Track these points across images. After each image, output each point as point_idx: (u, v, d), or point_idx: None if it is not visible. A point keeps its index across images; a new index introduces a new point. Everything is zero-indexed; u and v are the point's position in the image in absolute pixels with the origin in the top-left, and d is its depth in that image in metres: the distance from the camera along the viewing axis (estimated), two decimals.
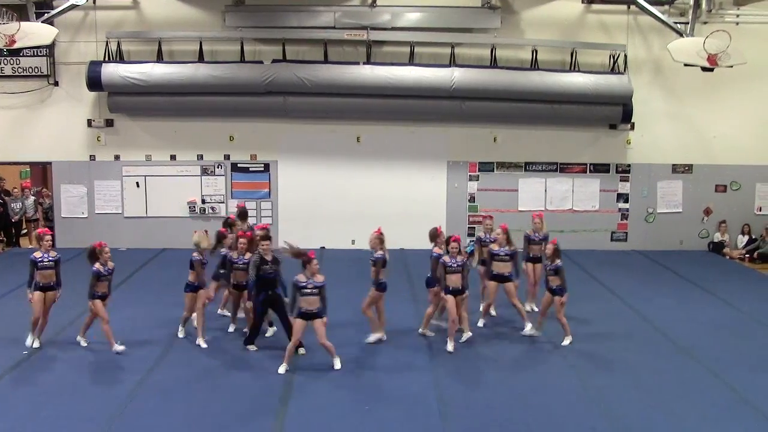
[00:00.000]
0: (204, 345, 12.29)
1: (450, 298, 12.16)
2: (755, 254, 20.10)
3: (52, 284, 12.08)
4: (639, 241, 21.00)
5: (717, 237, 21.01)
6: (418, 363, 11.87)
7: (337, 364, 11.32)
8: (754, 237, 20.64)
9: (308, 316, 11.08)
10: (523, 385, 11.00)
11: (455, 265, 12.14)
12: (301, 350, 11.89)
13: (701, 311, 15.17)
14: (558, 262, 12.46)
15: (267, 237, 12.26)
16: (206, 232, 12.69)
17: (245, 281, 12.32)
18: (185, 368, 11.48)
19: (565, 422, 9.80)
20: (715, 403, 10.48)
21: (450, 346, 12.16)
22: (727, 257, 20.42)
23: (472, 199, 20.45)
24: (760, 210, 21.17)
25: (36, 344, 12.10)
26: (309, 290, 11.01)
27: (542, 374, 11.43)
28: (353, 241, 18.91)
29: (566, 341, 12.68)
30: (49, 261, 12.01)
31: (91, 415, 9.74)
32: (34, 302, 11.93)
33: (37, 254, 11.99)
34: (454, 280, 12.14)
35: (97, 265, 11.82)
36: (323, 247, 15.52)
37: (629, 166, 20.80)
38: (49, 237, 12.34)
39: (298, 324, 11.14)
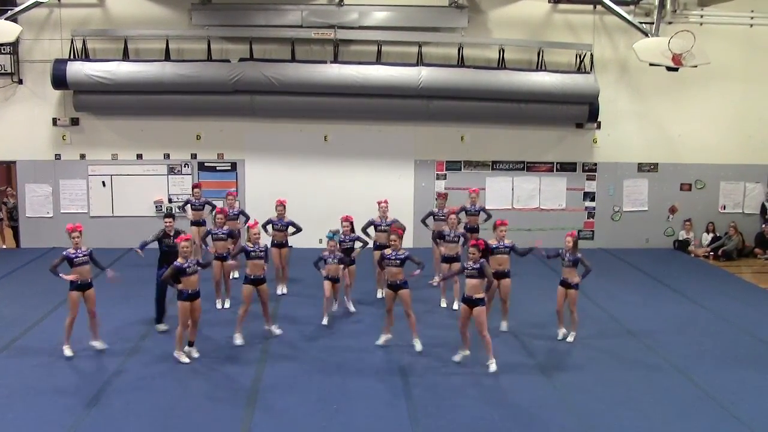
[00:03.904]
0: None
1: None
2: (720, 252, 20.33)
3: (90, 281, 11.83)
4: (605, 240, 21.19)
5: (682, 235, 21.24)
6: (386, 360, 11.93)
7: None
8: (718, 235, 20.88)
9: (500, 274, 12.90)
10: (491, 384, 11.07)
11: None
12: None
13: (667, 308, 15.37)
14: (578, 254, 12.67)
15: (170, 215, 13.74)
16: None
17: (225, 252, 14.17)
18: (150, 370, 11.41)
19: (534, 421, 9.88)
20: (681, 399, 10.64)
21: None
22: (692, 255, 20.67)
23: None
24: (725, 208, 21.44)
25: (69, 353, 11.73)
26: (501, 250, 12.90)
27: (510, 373, 11.47)
28: (321, 240, 18.87)
29: (570, 337, 13.06)
30: (84, 256, 11.76)
31: (56, 418, 9.68)
32: (72, 302, 11.65)
33: (70, 250, 11.72)
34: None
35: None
36: (291, 246, 15.52)
37: (596, 164, 20.98)
38: (77, 233, 11.89)
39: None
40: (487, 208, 17.34)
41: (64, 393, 10.53)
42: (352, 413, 10.00)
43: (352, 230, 14.46)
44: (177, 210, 19.71)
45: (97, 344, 12.04)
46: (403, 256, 12.08)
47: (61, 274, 11.61)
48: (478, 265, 11.23)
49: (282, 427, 9.60)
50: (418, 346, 12.12)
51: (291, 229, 15.45)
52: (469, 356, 11.73)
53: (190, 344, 11.93)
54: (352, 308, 14.45)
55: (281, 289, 15.66)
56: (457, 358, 11.80)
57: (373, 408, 10.19)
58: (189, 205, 17.50)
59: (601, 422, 9.80)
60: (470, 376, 11.27)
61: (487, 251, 11.73)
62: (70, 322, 11.69)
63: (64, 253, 11.71)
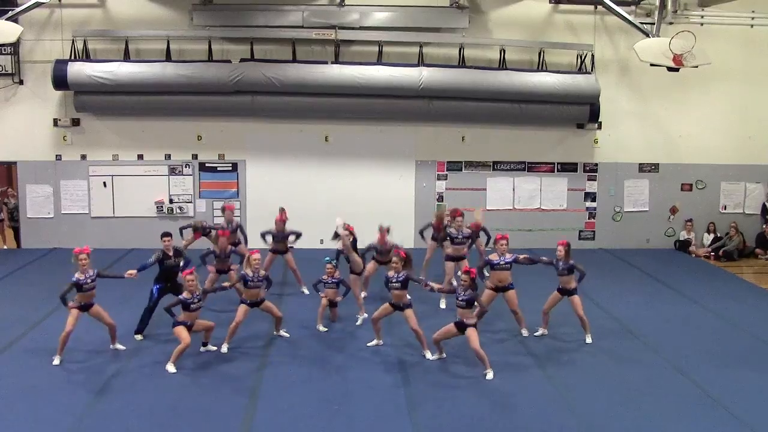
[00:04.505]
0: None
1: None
2: (720, 252, 20.31)
3: (93, 301, 11.89)
4: (606, 240, 21.17)
5: (683, 235, 21.22)
6: (386, 361, 11.93)
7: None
8: (719, 235, 20.86)
9: (501, 289, 12.91)
10: (491, 383, 11.05)
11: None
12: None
13: (668, 309, 15.34)
14: (570, 261, 12.68)
15: (167, 234, 13.24)
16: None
17: (226, 269, 14.40)
18: (150, 370, 11.43)
19: (533, 420, 9.86)
20: (682, 399, 10.62)
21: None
22: (693, 255, 20.64)
23: (440, 198, 20.48)
24: (725, 208, 21.41)
25: (57, 362, 11.57)
26: (502, 266, 12.78)
27: (510, 373, 11.46)
28: (321, 241, 18.88)
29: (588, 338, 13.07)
30: (92, 281, 11.73)
31: (56, 418, 9.68)
32: (72, 318, 11.59)
33: (79, 276, 11.60)
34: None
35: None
36: (292, 247, 15.58)
37: (596, 165, 20.96)
38: (85, 255, 11.75)
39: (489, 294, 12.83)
40: (488, 208, 17.27)
41: (64, 393, 10.53)
42: (353, 413, 10.00)
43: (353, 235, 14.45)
44: (181, 209, 19.68)
45: (118, 346, 12.21)
46: (402, 278, 12.06)
47: (69, 303, 11.67)
48: (467, 297, 11.25)
49: (283, 426, 9.59)
50: (428, 355, 12.05)
51: (291, 237, 15.48)
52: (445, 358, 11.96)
53: (204, 345, 12.24)
54: (359, 320, 13.99)
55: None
56: (434, 356, 11.98)
57: (373, 407, 10.20)
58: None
59: (601, 422, 9.79)
60: (470, 377, 11.26)
61: (480, 271, 11.78)
62: (66, 335, 11.57)
63: (74, 279, 11.58)
